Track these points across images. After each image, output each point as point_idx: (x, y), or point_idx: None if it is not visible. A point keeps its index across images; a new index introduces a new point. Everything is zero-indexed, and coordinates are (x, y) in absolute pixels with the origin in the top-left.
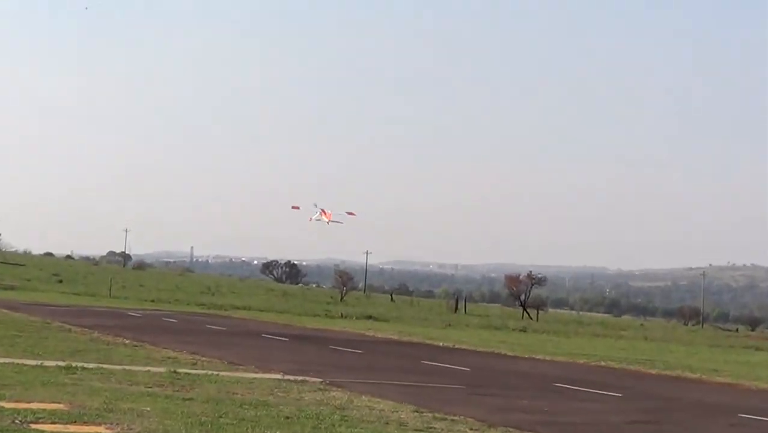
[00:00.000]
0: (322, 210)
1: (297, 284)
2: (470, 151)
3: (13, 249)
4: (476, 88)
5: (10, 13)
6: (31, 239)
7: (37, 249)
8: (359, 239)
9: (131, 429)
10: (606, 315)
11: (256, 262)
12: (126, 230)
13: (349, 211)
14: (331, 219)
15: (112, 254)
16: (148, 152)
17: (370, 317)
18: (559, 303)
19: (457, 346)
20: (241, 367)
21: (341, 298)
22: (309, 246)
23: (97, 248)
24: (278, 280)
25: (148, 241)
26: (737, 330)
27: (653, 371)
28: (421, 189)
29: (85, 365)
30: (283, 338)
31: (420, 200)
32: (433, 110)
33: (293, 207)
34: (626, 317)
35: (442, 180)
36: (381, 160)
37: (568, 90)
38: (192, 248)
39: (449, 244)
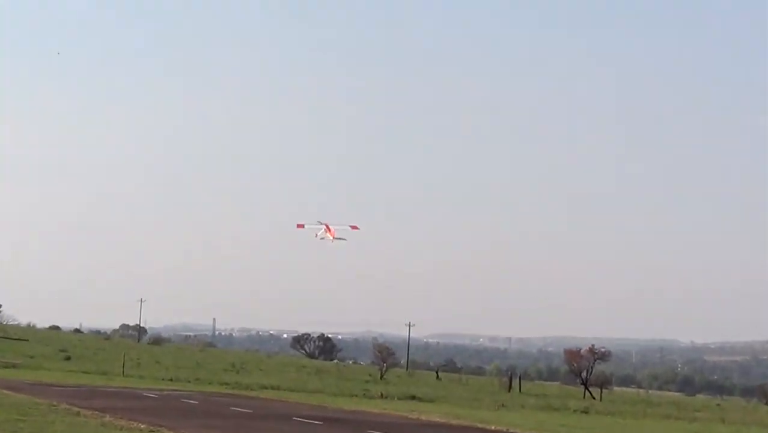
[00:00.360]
0: (326, 226)
1: (332, 360)
2: (523, 207)
3: (16, 322)
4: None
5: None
6: (35, 310)
7: (42, 322)
8: (400, 309)
9: None
10: (678, 394)
11: (285, 335)
12: (141, 300)
13: (353, 225)
14: (335, 236)
15: (125, 327)
16: (160, 214)
17: (413, 398)
18: (626, 380)
19: (511, 430)
20: None
21: (381, 376)
22: (345, 318)
23: (108, 321)
24: (311, 356)
25: (166, 312)
26: None
27: None
28: (466, 253)
29: None
30: (317, 422)
31: (466, 266)
32: (472, 169)
33: (298, 226)
34: (701, 396)
35: (489, 242)
36: (421, 220)
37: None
38: (214, 320)
39: (501, 315)
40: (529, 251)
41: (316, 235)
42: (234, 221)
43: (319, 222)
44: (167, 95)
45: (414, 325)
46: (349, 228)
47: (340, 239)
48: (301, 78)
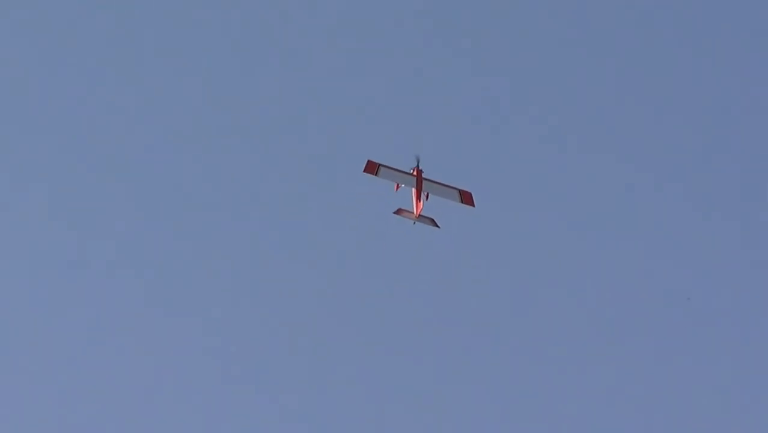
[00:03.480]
0: (417, 173)
1: None
2: None
3: None
4: None
5: None
6: None
7: None
8: None
9: None
10: None
11: None
12: None
13: (464, 190)
14: (420, 213)
15: None
16: None
17: None
18: None
19: None
20: None
21: None
22: None
23: None
24: None
25: None
26: None
27: None
28: None
29: None
30: None
31: None
32: None
33: (368, 167)
34: None
35: None
36: None
37: None
38: None
39: None
40: None
41: (396, 187)
42: None
43: (411, 169)
44: None
45: None
46: (458, 195)
47: (428, 220)
48: None
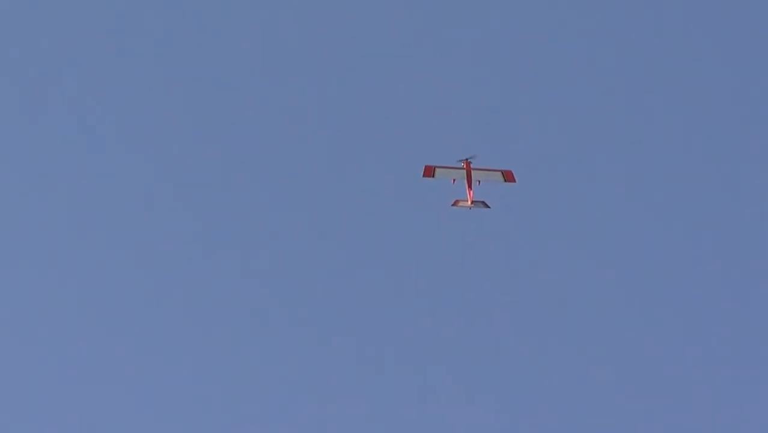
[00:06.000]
0: (467, 166)
1: None
2: None
3: None
4: None
5: None
6: None
7: None
8: None
9: None
10: None
11: None
12: None
13: (506, 170)
14: (474, 200)
15: None
16: None
17: None
18: None
19: None
20: None
21: None
22: None
23: None
24: None
25: None
26: None
27: None
28: None
29: None
30: None
31: None
32: None
33: (426, 172)
34: None
35: None
36: None
37: None
38: None
39: None
40: None
41: (453, 181)
42: None
43: (460, 161)
44: None
45: None
46: (501, 176)
47: (480, 204)
48: None
